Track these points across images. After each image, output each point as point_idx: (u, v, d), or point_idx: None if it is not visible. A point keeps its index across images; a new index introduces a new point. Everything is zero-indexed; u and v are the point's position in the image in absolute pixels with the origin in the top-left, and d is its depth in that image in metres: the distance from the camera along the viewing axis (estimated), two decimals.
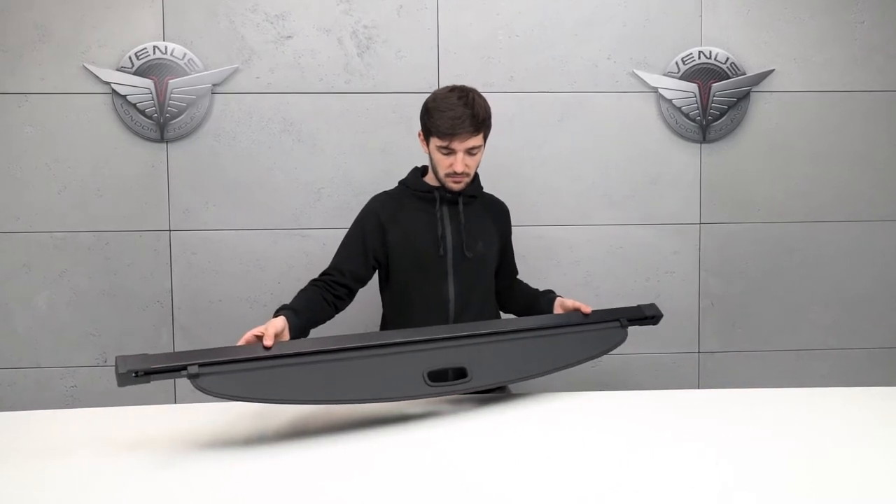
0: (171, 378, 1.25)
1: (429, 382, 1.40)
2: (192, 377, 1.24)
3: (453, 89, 1.68)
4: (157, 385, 2.36)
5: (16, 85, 2.24)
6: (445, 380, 1.44)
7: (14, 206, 2.28)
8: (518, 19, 2.33)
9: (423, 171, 1.85)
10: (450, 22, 2.32)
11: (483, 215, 1.82)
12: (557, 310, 1.76)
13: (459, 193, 1.75)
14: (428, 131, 1.69)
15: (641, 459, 1.19)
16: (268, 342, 1.35)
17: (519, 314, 1.93)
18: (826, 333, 2.47)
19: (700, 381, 2.46)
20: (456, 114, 1.62)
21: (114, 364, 1.22)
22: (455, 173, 1.68)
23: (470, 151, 1.67)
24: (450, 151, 1.67)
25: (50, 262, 2.29)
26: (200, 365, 1.26)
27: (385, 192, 1.86)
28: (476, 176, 1.86)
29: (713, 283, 2.43)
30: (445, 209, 1.77)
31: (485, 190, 1.95)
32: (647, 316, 1.76)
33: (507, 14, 2.33)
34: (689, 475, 1.12)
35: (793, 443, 1.26)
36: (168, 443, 1.29)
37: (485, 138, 1.71)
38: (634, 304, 1.79)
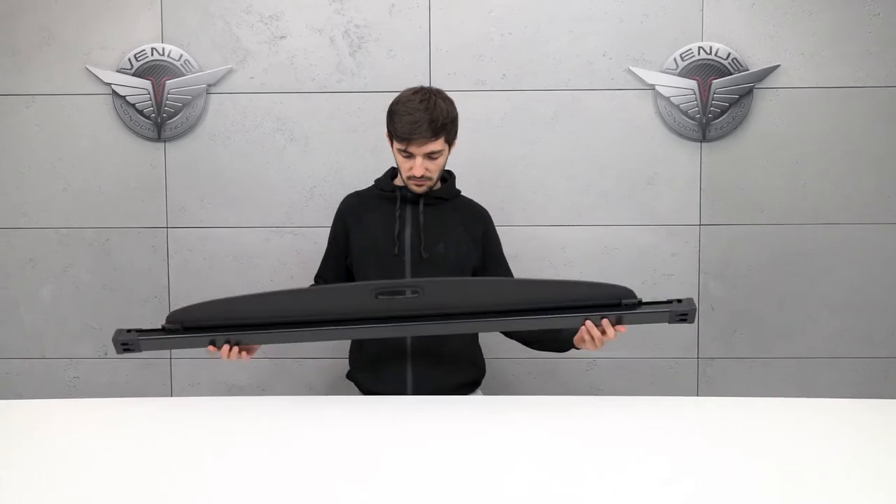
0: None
1: (379, 297, 1.41)
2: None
3: (417, 91, 1.67)
4: (154, 379, 2.44)
5: (23, 86, 2.33)
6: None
7: (22, 202, 2.37)
8: (511, 16, 2.30)
9: (395, 171, 1.84)
10: (441, 20, 2.30)
11: (452, 218, 1.79)
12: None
13: (422, 194, 1.74)
14: (390, 133, 1.69)
15: (633, 469, 1.14)
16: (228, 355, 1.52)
17: (531, 341, 1.81)
18: (834, 341, 2.35)
19: (699, 389, 2.38)
20: (414, 118, 1.61)
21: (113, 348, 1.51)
22: (414, 177, 1.68)
23: (430, 156, 1.66)
24: (409, 155, 1.66)
25: (54, 257, 2.38)
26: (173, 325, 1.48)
27: (355, 192, 1.89)
28: (451, 178, 1.84)
29: (713, 287, 2.35)
30: (408, 209, 1.77)
31: (473, 189, 1.93)
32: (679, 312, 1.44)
33: (500, 11, 2.30)
34: (682, 487, 1.06)
35: (796, 455, 1.19)
36: (163, 433, 1.33)
37: (448, 142, 1.70)
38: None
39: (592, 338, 1.50)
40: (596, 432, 1.33)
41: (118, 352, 1.48)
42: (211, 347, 1.50)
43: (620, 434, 1.32)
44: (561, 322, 1.52)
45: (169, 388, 2.41)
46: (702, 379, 2.38)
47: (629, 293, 1.45)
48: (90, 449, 1.25)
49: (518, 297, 1.47)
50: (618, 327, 1.49)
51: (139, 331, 1.48)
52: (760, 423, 1.37)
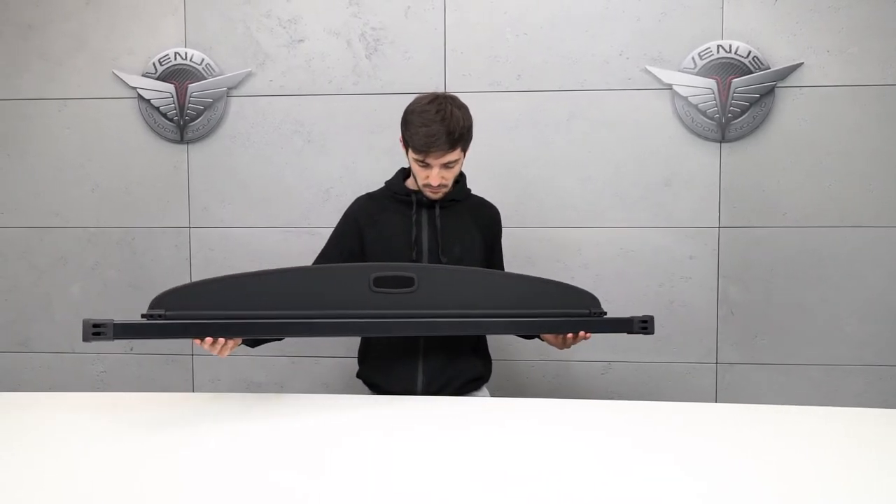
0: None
1: (374, 289, 1.50)
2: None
3: (433, 100, 1.65)
4: (177, 375, 2.50)
5: (56, 91, 2.43)
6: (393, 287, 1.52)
7: (54, 203, 2.47)
8: (526, 16, 2.29)
9: (407, 172, 1.85)
10: (457, 21, 2.31)
11: (465, 219, 1.79)
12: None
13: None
14: (406, 141, 1.69)
15: (645, 475, 1.12)
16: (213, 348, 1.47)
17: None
18: (862, 348, 2.27)
19: (717, 395, 2.33)
20: (431, 130, 1.60)
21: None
22: (431, 185, 1.68)
23: (446, 165, 1.66)
24: (426, 165, 1.66)
25: (84, 255, 2.47)
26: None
27: (367, 194, 1.88)
28: (463, 179, 1.84)
29: (733, 291, 2.30)
30: (423, 213, 1.77)
31: (488, 191, 1.93)
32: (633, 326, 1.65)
33: (515, 11, 2.29)
34: (694, 495, 1.03)
35: (814, 467, 1.14)
36: (184, 426, 1.38)
37: (464, 150, 1.70)
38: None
39: (564, 340, 1.68)
40: (608, 437, 1.31)
41: (85, 338, 1.35)
42: (196, 340, 1.45)
43: (634, 439, 1.29)
44: (543, 330, 1.68)
45: (191, 384, 2.48)
46: (720, 385, 2.33)
47: (596, 302, 1.65)
48: (108, 441, 1.29)
49: (498, 287, 1.61)
50: (586, 334, 1.66)
51: (116, 323, 1.37)
52: (779, 432, 1.33)
